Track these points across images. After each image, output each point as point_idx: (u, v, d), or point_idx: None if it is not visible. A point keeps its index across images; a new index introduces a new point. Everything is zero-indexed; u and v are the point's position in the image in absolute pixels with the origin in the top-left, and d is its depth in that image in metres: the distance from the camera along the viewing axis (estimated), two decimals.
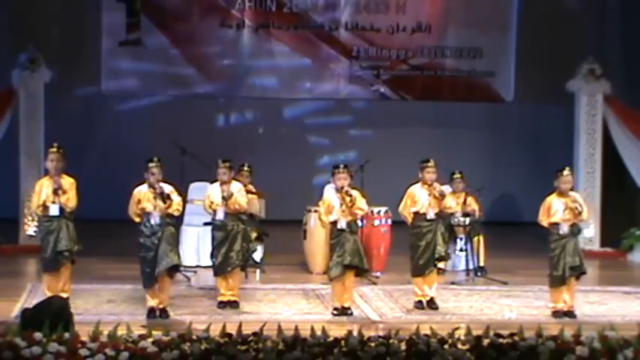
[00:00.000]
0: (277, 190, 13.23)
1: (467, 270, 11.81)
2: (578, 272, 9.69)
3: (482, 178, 13.26)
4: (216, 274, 9.94)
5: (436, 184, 9.97)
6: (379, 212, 11.92)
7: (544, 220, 9.73)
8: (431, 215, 9.92)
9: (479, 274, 11.78)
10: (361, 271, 9.68)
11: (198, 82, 16.80)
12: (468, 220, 11.89)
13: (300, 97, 17.20)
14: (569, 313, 9.63)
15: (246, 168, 11.72)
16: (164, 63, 16.58)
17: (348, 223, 9.53)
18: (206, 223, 11.21)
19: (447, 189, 10.98)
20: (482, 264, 11.97)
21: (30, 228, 13.31)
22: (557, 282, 9.67)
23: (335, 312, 9.54)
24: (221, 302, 9.78)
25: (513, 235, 15.29)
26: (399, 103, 17.37)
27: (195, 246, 12.31)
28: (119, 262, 12.06)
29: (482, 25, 17.03)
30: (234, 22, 16.78)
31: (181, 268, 10.14)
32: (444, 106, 17.13)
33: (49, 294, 9.28)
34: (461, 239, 12.10)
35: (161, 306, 9.28)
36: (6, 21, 15.93)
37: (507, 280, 11.54)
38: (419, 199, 9.94)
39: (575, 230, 9.69)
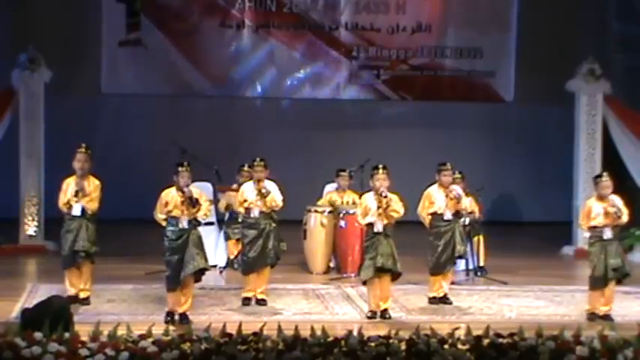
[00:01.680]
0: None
1: (467, 270, 11.80)
2: (622, 274, 9.66)
3: (482, 178, 13.26)
4: (246, 272, 9.99)
5: (453, 187, 10.17)
6: None
7: (584, 225, 9.77)
8: (448, 216, 10.11)
9: (479, 274, 11.79)
10: (396, 275, 9.62)
11: (198, 82, 16.81)
12: (467, 220, 11.89)
13: (300, 97, 17.21)
14: (607, 317, 9.54)
15: (246, 168, 11.70)
16: (164, 63, 16.58)
17: (384, 227, 9.50)
18: (207, 224, 11.24)
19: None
20: (482, 264, 11.97)
21: (30, 228, 13.32)
22: (599, 283, 9.59)
23: (369, 314, 9.46)
24: (246, 298, 9.84)
25: (513, 235, 15.30)
26: (399, 103, 17.39)
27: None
28: (120, 262, 12.09)
29: (482, 25, 17.05)
30: (234, 22, 16.79)
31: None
32: (444, 106, 17.13)
33: (71, 290, 9.57)
34: (464, 238, 12.09)
35: (182, 310, 9.13)
36: (6, 21, 15.93)
37: (507, 280, 11.54)
38: (436, 201, 10.11)
39: (616, 233, 9.68)
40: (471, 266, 11.76)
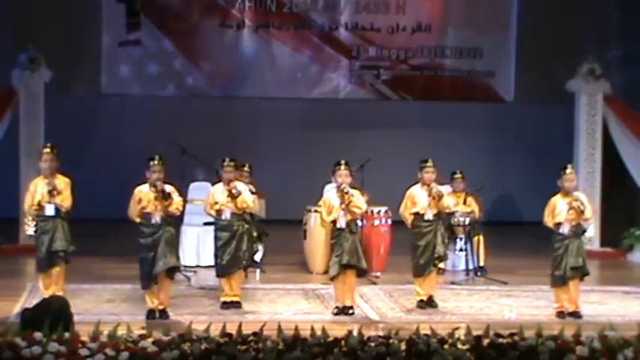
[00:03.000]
0: (277, 190, 13.24)
1: (467, 270, 11.80)
2: (581, 273, 9.69)
3: (482, 178, 13.25)
4: (220, 275, 9.85)
5: (434, 185, 9.90)
6: (379, 212, 11.93)
7: (549, 221, 9.72)
8: (429, 216, 9.88)
9: (479, 274, 11.78)
10: (361, 271, 9.66)
11: (198, 82, 16.81)
12: (467, 220, 11.90)
13: (300, 97, 17.21)
14: (575, 314, 9.60)
15: (246, 168, 11.70)
16: (164, 63, 16.59)
17: (348, 223, 9.50)
18: (206, 223, 11.22)
19: (447, 189, 10.97)
20: (482, 264, 11.97)
21: (30, 228, 13.31)
22: (558, 282, 9.67)
23: (335, 311, 9.54)
24: (224, 303, 9.75)
25: (513, 235, 15.30)
26: (399, 103, 17.39)
27: (196, 246, 12.32)
28: (119, 262, 12.07)
29: (482, 25, 17.06)
30: (234, 22, 16.80)
31: (181, 269, 10.10)
32: (444, 106, 17.13)
33: (46, 293, 9.30)
34: (461, 239, 12.11)
35: (161, 307, 9.27)
36: (6, 21, 15.93)
37: (507, 280, 11.54)
38: (418, 200, 9.91)
39: (579, 230, 9.68)
40: (470, 266, 11.76)
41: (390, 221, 11.96)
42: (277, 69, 16.97)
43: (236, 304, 9.73)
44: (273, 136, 16.70)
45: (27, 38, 14.17)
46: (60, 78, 13.87)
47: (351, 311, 9.52)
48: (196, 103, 16.95)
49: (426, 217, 9.87)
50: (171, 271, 9.35)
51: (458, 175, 12.14)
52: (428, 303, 9.95)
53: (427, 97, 17.23)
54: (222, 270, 9.82)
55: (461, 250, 12.11)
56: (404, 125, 17.19)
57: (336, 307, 9.57)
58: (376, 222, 11.91)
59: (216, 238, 9.92)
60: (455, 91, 17.21)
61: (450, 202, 10.19)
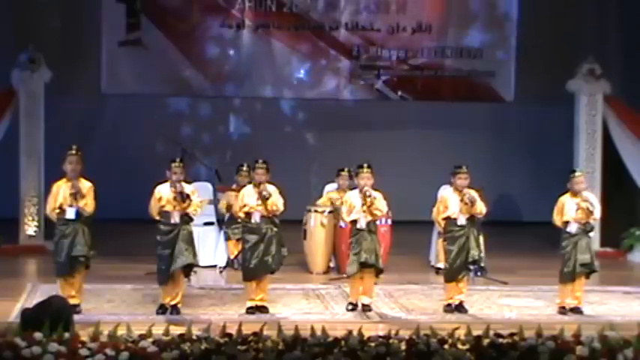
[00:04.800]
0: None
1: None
2: (589, 270, 9.78)
3: (482, 178, 13.19)
4: (247, 279, 9.68)
5: (467, 191, 9.84)
6: None
7: (557, 220, 9.80)
8: (462, 221, 9.83)
9: (479, 274, 11.76)
10: (378, 271, 9.69)
11: (198, 82, 16.80)
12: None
13: (300, 97, 17.21)
14: (576, 309, 9.71)
15: (245, 168, 11.69)
16: (164, 63, 16.57)
17: (368, 223, 9.59)
18: (206, 223, 11.24)
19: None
20: (482, 264, 11.94)
21: (30, 228, 13.32)
22: (567, 278, 9.75)
23: (350, 307, 9.66)
24: (250, 308, 9.57)
25: (513, 235, 15.29)
26: (399, 103, 17.38)
27: (196, 246, 12.29)
28: (120, 262, 12.08)
29: (482, 25, 17.06)
30: (234, 22, 16.78)
31: (195, 269, 9.99)
32: (444, 106, 17.12)
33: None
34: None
35: (173, 302, 9.33)
36: (6, 21, 15.91)
37: (507, 280, 11.53)
38: (450, 205, 9.86)
39: (587, 228, 9.75)
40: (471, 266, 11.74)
41: (390, 221, 11.93)
42: (277, 69, 16.96)
43: (263, 309, 9.60)
44: (273, 136, 16.70)
45: (27, 38, 14.17)
46: (60, 78, 13.85)
47: (369, 309, 9.58)
48: (196, 103, 16.95)
49: (459, 223, 9.83)
50: (188, 268, 9.43)
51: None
52: (457, 308, 9.86)
53: (427, 97, 17.21)
54: (250, 274, 9.65)
55: None
56: (404, 125, 17.18)
57: (350, 304, 9.69)
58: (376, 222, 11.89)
59: (244, 241, 9.80)
60: (455, 91, 17.20)
61: (482, 207, 10.06)
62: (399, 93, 17.24)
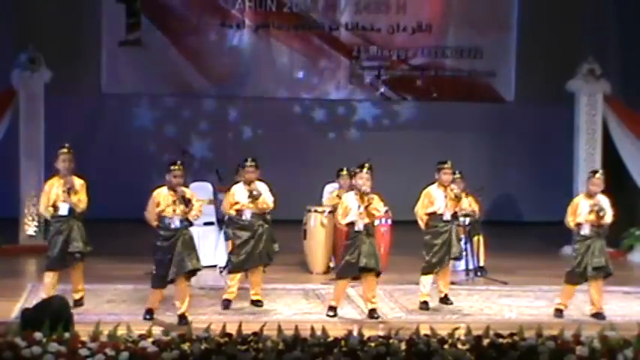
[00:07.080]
0: (277, 190, 13.20)
1: (467, 270, 11.79)
2: (604, 273, 9.68)
3: (482, 178, 13.26)
4: (234, 271, 9.84)
5: (452, 186, 10.05)
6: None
7: (571, 221, 9.76)
8: (447, 217, 10.00)
9: (479, 274, 11.78)
10: (377, 274, 9.58)
11: (199, 82, 16.80)
12: (467, 220, 11.89)
13: (301, 97, 17.22)
14: (598, 315, 9.60)
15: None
16: (164, 63, 16.57)
17: (365, 226, 9.47)
18: (206, 223, 11.22)
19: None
20: (482, 264, 11.97)
21: (30, 228, 13.32)
22: (575, 278, 9.67)
23: (330, 313, 9.45)
24: (227, 300, 9.71)
25: (513, 235, 15.29)
26: (399, 103, 17.39)
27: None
28: (120, 262, 12.08)
29: (482, 25, 17.05)
30: (234, 22, 16.79)
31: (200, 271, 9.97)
32: (444, 106, 17.13)
33: (50, 292, 9.23)
34: (461, 239, 12.08)
35: (180, 312, 9.11)
36: (6, 21, 15.92)
37: (507, 280, 11.54)
38: (435, 201, 9.98)
39: (602, 231, 9.68)
40: (471, 266, 11.76)
41: (390, 221, 11.94)
42: (277, 69, 16.97)
43: (257, 303, 9.75)
44: (273, 136, 16.70)
45: (27, 38, 14.17)
46: (60, 78, 13.85)
47: (376, 315, 9.42)
48: (196, 103, 16.95)
49: (444, 218, 9.98)
50: (192, 273, 9.25)
51: (457, 175, 12.10)
52: (443, 301, 10.05)
53: (427, 97, 17.22)
54: (236, 267, 9.80)
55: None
56: (404, 125, 17.20)
57: (331, 308, 9.49)
58: (376, 222, 11.86)
59: (235, 237, 9.88)
60: (455, 91, 17.20)
61: (465, 203, 10.27)
62: (399, 93, 17.23)
